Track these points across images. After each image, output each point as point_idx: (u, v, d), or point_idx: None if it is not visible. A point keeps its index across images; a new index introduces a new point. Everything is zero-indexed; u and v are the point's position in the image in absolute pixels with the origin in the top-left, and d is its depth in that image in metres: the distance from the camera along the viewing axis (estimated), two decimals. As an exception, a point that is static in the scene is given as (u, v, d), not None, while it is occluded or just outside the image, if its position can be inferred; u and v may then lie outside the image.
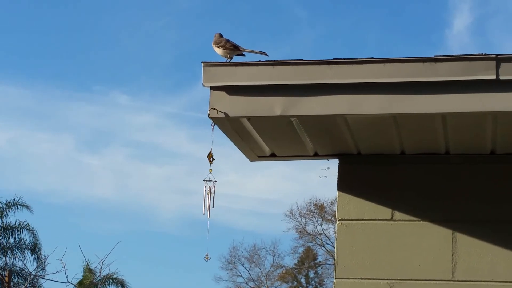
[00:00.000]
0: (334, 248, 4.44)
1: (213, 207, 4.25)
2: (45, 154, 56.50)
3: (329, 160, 4.55)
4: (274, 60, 3.88)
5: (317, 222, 44.65)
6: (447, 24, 57.43)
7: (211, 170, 4.22)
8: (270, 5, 58.74)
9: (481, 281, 4.20)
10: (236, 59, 4.26)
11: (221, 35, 4.35)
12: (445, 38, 56.51)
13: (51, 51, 59.61)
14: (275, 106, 3.83)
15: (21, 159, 53.62)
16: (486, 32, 56.97)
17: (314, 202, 44.65)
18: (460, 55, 3.72)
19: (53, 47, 59.09)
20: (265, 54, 4.21)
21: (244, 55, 4.32)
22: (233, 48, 4.29)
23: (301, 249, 46.23)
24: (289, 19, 58.24)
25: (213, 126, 4.03)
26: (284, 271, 46.37)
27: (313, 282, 46.33)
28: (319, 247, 45.57)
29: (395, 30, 58.53)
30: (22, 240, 29.02)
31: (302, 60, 3.84)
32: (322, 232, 44.52)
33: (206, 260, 4.38)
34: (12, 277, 26.33)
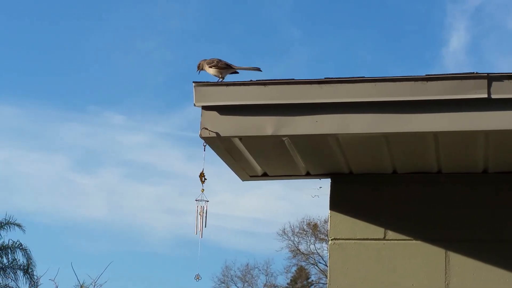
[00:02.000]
0: (327, 267, 4.42)
1: (205, 227, 4.23)
2: (38, 174, 56.44)
3: (321, 179, 4.54)
4: (266, 80, 3.87)
5: (310, 241, 44.56)
6: (443, 43, 57.60)
7: (203, 190, 4.21)
8: (264, 25, 58.87)
9: (474, 300, 4.18)
10: (230, 77, 4.25)
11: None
12: (442, 57, 56.72)
13: (44, 71, 59.65)
14: (267, 125, 3.82)
15: (14, 179, 53.50)
16: (482, 50, 57.18)
17: (307, 221, 44.58)
18: (451, 74, 3.72)
19: (46, 66, 59.15)
20: (258, 70, 4.20)
21: (237, 72, 4.29)
22: (226, 67, 4.27)
23: (294, 268, 46.10)
24: (283, 38, 58.36)
25: (204, 146, 4.02)
26: (277, 291, 46.16)
27: (306, 301, 46.14)
28: (312, 266, 45.45)
29: (391, 49, 58.70)
30: (15, 260, 28.91)
31: (293, 79, 3.83)
32: (315, 251, 44.42)
33: (197, 280, 4.35)
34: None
